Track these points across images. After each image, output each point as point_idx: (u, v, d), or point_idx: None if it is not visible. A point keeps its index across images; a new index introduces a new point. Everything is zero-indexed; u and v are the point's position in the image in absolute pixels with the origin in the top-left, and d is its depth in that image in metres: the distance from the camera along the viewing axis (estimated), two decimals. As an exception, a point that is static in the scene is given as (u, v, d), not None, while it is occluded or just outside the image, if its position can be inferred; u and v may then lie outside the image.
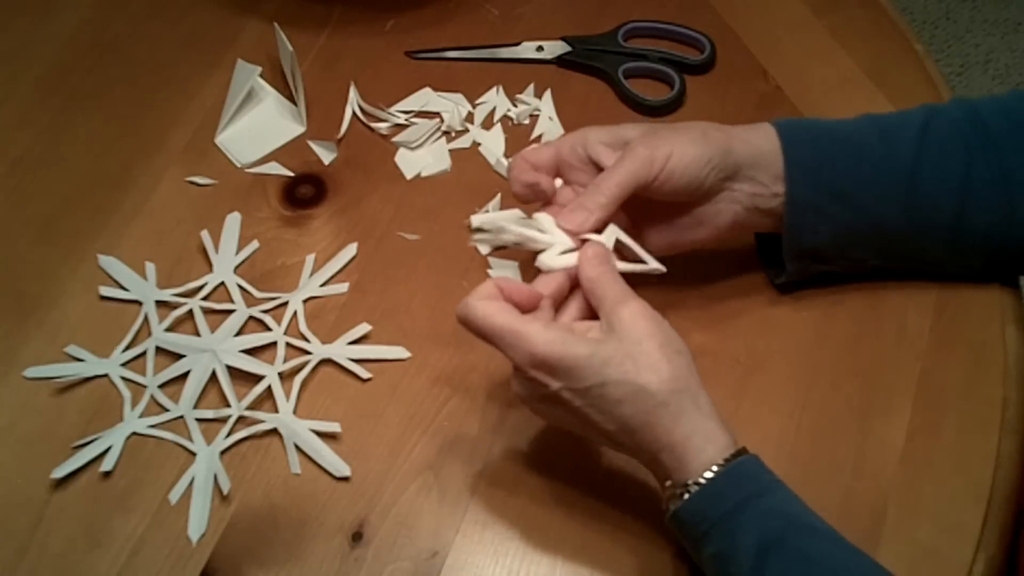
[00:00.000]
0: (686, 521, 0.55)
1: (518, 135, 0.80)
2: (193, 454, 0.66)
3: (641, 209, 0.64)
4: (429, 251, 0.74)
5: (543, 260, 0.61)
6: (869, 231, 0.65)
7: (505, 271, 0.73)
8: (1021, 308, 0.69)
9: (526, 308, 0.59)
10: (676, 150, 0.61)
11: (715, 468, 0.54)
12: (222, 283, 0.73)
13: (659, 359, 0.55)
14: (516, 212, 0.75)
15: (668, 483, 0.56)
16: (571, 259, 0.61)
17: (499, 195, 0.76)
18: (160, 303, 0.72)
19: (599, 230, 0.62)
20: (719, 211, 0.64)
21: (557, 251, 0.62)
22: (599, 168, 0.63)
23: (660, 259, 0.64)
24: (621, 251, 0.63)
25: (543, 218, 0.63)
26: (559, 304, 0.61)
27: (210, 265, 0.74)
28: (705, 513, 0.54)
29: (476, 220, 0.74)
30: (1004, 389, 0.65)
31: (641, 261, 0.63)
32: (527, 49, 0.84)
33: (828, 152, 0.64)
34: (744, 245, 0.71)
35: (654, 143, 0.62)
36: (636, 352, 0.55)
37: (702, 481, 0.54)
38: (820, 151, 0.64)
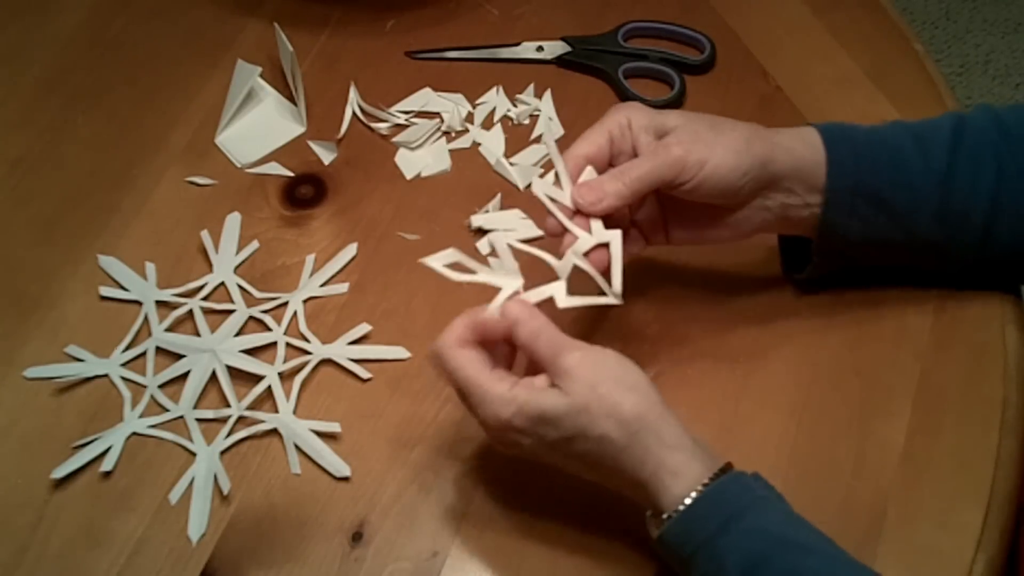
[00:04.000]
0: (670, 544, 0.55)
1: (518, 135, 0.80)
2: (193, 454, 0.66)
3: (670, 198, 0.63)
4: (429, 251, 0.74)
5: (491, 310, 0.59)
6: (900, 235, 0.64)
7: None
8: (1021, 309, 0.69)
9: (499, 337, 0.58)
10: (713, 159, 0.60)
11: (693, 494, 0.54)
12: (222, 283, 0.73)
13: (613, 403, 0.54)
14: (516, 212, 0.75)
15: (648, 513, 0.56)
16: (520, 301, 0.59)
17: (499, 195, 0.76)
18: (160, 303, 0.72)
19: (607, 218, 0.61)
20: (748, 217, 0.64)
21: (503, 297, 0.59)
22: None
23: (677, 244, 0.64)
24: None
25: (498, 243, 0.61)
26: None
27: (210, 265, 0.74)
28: (688, 536, 0.54)
29: (476, 220, 0.75)
30: (1004, 389, 0.65)
31: (600, 293, 0.60)
32: (527, 49, 0.84)
33: (867, 155, 0.63)
34: (746, 246, 0.71)
35: (691, 146, 0.60)
36: (590, 401, 0.54)
37: (680, 509, 0.54)
38: (860, 153, 0.63)
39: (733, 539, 0.53)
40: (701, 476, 0.54)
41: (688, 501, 0.54)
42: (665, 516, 0.54)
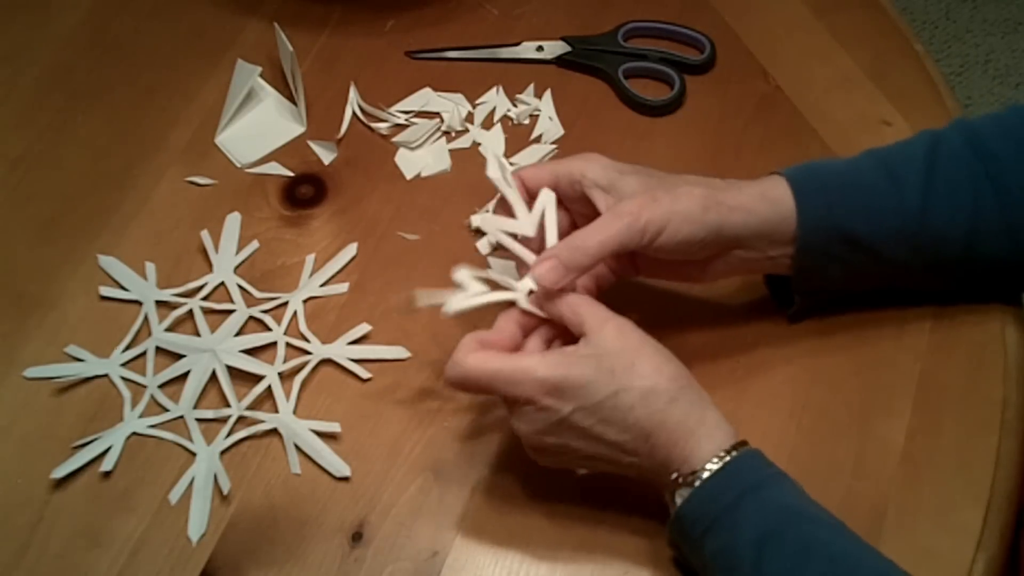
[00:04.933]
0: (688, 519, 0.56)
1: (518, 135, 0.80)
2: (193, 454, 0.66)
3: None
4: (429, 251, 0.74)
5: (451, 305, 0.60)
6: (878, 268, 0.64)
7: (504, 271, 0.73)
8: (1020, 310, 0.69)
9: (509, 349, 0.59)
10: (670, 227, 0.60)
11: (716, 460, 0.55)
12: (222, 283, 0.73)
13: (659, 361, 0.57)
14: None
15: (675, 475, 0.56)
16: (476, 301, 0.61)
17: (499, 195, 0.76)
18: (160, 303, 0.72)
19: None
20: (708, 268, 0.64)
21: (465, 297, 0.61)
22: (593, 207, 0.62)
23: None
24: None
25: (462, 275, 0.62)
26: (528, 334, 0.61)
27: (210, 265, 0.74)
28: (705, 510, 0.55)
29: (476, 220, 0.75)
30: (1004, 389, 0.65)
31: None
32: (527, 49, 0.84)
33: (839, 199, 0.62)
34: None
35: (649, 211, 0.59)
36: (636, 359, 0.57)
37: (706, 474, 0.55)
38: (832, 200, 0.62)
39: (749, 511, 0.54)
40: (731, 437, 0.56)
41: (710, 468, 0.55)
42: (697, 469, 0.55)
